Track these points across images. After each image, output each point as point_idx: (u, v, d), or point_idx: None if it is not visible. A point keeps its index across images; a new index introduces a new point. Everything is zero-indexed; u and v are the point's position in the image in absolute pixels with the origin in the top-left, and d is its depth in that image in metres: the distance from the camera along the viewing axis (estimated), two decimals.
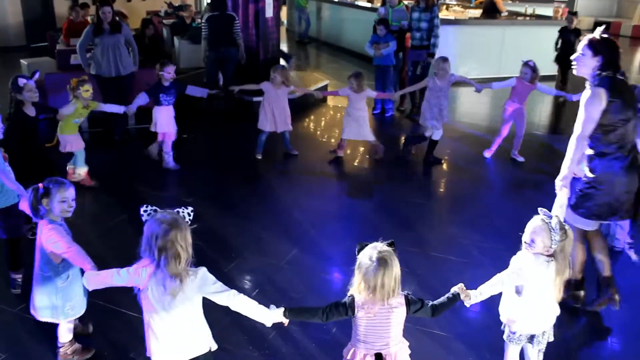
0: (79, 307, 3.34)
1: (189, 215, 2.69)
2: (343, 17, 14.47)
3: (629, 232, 4.34)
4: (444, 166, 6.69)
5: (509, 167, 6.66)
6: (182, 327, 2.68)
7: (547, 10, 13.18)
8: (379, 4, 10.97)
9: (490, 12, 12.05)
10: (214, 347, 2.88)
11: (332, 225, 5.26)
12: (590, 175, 3.71)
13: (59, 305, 3.23)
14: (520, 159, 6.81)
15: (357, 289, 2.62)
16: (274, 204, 5.68)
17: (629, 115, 3.59)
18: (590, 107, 3.56)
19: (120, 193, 5.81)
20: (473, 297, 2.94)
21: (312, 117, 8.74)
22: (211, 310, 3.75)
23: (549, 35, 11.49)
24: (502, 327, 3.19)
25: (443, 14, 11.08)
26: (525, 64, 6.57)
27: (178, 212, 2.66)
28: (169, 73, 6.08)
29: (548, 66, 11.44)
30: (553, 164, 6.73)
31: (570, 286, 3.99)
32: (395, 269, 2.57)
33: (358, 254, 2.66)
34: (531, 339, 3.08)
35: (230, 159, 6.76)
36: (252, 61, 8.84)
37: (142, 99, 6.12)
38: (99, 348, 3.56)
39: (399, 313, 2.66)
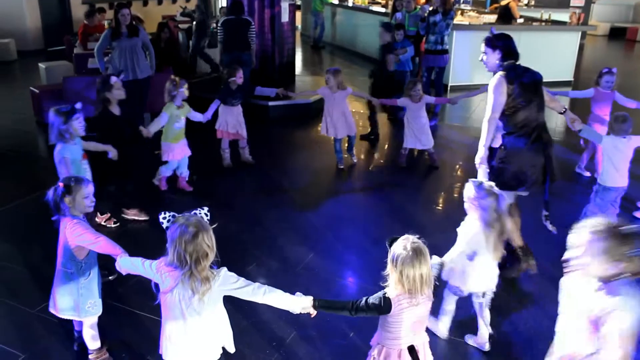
0: (99, 305, 3.37)
1: (206, 215, 2.70)
2: (357, 22, 14.49)
3: (544, 205, 4.47)
4: (459, 172, 6.66)
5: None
6: (199, 332, 2.67)
7: (562, 16, 13.11)
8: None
9: (505, 17, 12.00)
10: (232, 350, 2.88)
11: (349, 229, 5.26)
12: (502, 152, 4.21)
13: (80, 302, 3.26)
14: (587, 174, 6.50)
15: (394, 284, 2.59)
16: (289, 208, 5.68)
17: (530, 97, 4.05)
18: (495, 91, 4.05)
19: (134, 196, 5.83)
20: (447, 265, 3.38)
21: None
22: (228, 313, 3.77)
23: (565, 40, 11.46)
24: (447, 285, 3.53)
25: (458, 19, 11.06)
26: (609, 71, 6.17)
27: (195, 214, 2.66)
28: (240, 78, 6.30)
29: (564, 72, 11.43)
30: (564, 171, 6.71)
31: (518, 257, 4.33)
32: (429, 258, 2.59)
33: (390, 247, 2.63)
34: (475, 295, 3.51)
35: (240, 163, 6.76)
36: (267, 66, 8.88)
37: (216, 104, 6.33)
38: (115, 351, 3.58)
39: (431, 302, 2.70)
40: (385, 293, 2.63)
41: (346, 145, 6.89)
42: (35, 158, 7.13)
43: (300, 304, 2.71)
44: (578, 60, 11.78)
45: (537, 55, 11.14)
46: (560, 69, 11.41)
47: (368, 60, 13.12)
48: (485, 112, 4.18)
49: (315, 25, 15.44)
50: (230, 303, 3.97)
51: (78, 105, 4.06)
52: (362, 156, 7.06)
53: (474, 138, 7.49)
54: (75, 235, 3.10)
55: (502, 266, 4.12)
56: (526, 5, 15.83)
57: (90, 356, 3.45)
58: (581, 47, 12.22)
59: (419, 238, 2.63)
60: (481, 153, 4.23)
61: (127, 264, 2.87)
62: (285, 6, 9.02)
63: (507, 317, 3.97)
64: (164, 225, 2.65)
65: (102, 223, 5.20)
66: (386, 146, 7.67)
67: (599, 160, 6.01)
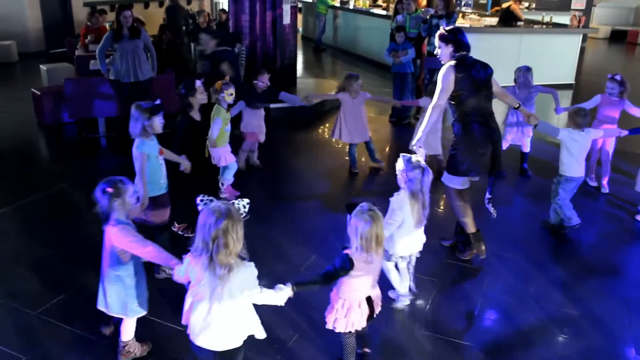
0: (145, 304, 3.39)
1: (245, 207, 2.78)
2: (359, 24, 14.49)
3: (488, 189, 4.61)
4: None
5: (526, 178, 6.60)
6: (222, 317, 2.72)
7: (563, 19, 13.12)
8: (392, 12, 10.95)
9: (507, 20, 12.02)
10: (262, 335, 2.93)
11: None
12: (454, 138, 4.45)
13: (128, 303, 3.29)
14: (593, 183, 6.29)
15: (354, 246, 2.96)
16: (292, 209, 5.67)
17: (478, 87, 4.29)
18: (443, 80, 4.30)
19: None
20: (387, 232, 3.60)
21: (327, 125, 8.74)
22: None
23: (566, 43, 11.46)
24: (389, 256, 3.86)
25: (459, 22, 11.05)
26: (612, 77, 6.02)
27: (233, 203, 2.72)
28: (263, 82, 6.26)
29: (565, 75, 11.43)
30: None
31: (470, 242, 4.63)
32: (382, 221, 2.99)
33: (349, 212, 2.99)
34: (402, 258, 3.91)
35: (247, 166, 6.76)
36: (269, 68, 8.86)
37: (239, 106, 6.24)
38: None
39: (382, 257, 3.17)
40: (347, 254, 2.98)
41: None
42: (36, 159, 7.12)
43: (284, 296, 2.87)
44: (579, 63, 11.77)
45: (538, 58, 11.17)
46: (561, 72, 11.41)
47: (369, 63, 13.12)
48: (433, 98, 4.39)
49: (320, 28, 15.44)
50: None
51: (159, 102, 4.11)
52: (363, 159, 7.04)
53: None
54: (124, 240, 3.09)
55: (454, 248, 4.81)
56: (527, 8, 15.85)
57: (122, 348, 3.47)
58: (582, 50, 12.23)
59: (373, 204, 2.99)
60: (419, 136, 4.46)
61: (182, 273, 2.79)
62: (287, 8, 9.02)
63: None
64: (199, 207, 2.73)
65: (179, 232, 5.02)
66: (387, 149, 7.66)
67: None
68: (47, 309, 3.95)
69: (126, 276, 3.25)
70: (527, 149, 6.57)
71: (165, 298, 4.02)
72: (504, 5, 12.34)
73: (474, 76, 4.32)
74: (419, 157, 3.82)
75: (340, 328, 3.17)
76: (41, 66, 9.75)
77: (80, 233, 5.03)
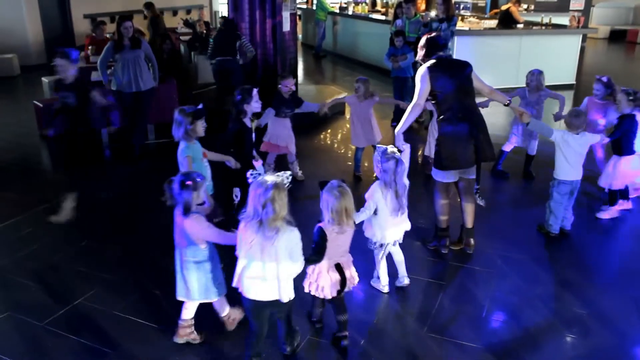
0: (224, 285, 3.61)
1: (287, 178, 3.15)
2: (358, 30, 14.53)
3: (476, 181, 4.78)
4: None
5: (531, 180, 6.59)
6: (271, 273, 3.10)
7: (562, 20, 13.12)
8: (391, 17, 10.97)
9: (506, 22, 12.02)
10: (290, 296, 3.23)
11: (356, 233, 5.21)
12: (438, 135, 4.63)
13: (209, 285, 3.53)
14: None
15: (326, 219, 3.33)
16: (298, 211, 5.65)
17: (455, 85, 4.49)
18: (421, 80, 4.52)
19: (140, 207, 5.83)
20: (358, 219, 3.81)
21: (329, 130, 8.75)
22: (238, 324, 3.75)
23: (566, 44, 11.46)
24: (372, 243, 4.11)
25: (458, 25, 11.07)
26: (598, 79, 5.93)
27: (279, 175, 3.11)
28: (286, 87, 5.99)
29: (566, 75, 11.43)
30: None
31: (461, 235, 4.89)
32: (350, 196, 3.33)
33: (321, 189, 3.36)
34: (382, 245, 4.09)
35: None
36: (270, 75, 8.90)
37: (268, 114, 6.04)
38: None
39: (353, 230, 3.47)
40: (320, 227, 3.36)
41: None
42: (39, 172, 7.13)
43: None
44: (579, 63, 11.77)
45: (538, 59, 11.14)
46: (562, 72, 11.40)
47: (369, 68, 13.14)
48: (413, 98, 4.59)
49: (320, 35, 15.48)
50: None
51: (201, 107, 4.26)
52: (366, 163, 7.04)
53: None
54: (200, 229, 3.37)
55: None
56: (526, 9, 15.86)
57: (181, 324, 3.67)
58: (582, 51, 12.23)
59: (342, 182, 3.35)
60: (397, 129, 4.63)
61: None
62: (286, 16, 9.04)
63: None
64: (250, 180, 3.21)
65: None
66: None
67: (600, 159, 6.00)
68: (53, 320, 3.94)
69: (205, 262, 3.49)
70: (533, 152, 6.53)
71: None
72: (503, 8, 12.34)
73: (450, 75, 4.52)
74: (394, 149, 3.98)
75: (313, 291, 3.54)
76: (43, 78, 9.77)
77: (86, 244, 5.03)
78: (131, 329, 3.85)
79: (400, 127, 4.62)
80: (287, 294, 3.19)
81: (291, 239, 3.08)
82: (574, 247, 5.00)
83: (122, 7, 14.23)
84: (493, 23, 12.25)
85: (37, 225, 5.41)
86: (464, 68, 4.59)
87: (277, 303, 3.20)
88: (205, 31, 11.62)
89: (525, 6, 16.02)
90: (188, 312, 3.67)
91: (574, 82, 11.49)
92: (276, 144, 6.18)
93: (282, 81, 6.02)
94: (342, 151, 7.68)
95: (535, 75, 6.22)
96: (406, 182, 4.06)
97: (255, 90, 4.90)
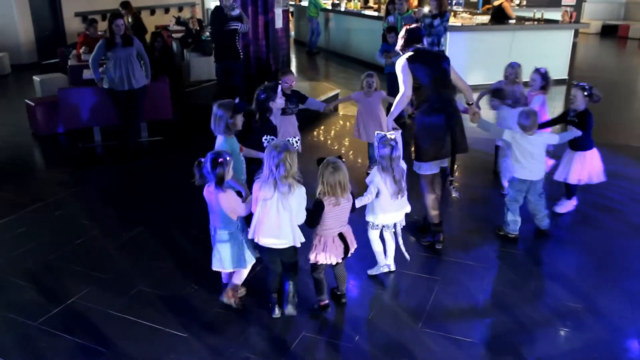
0: (254, 252, 3.96)
1: (297, 142, 3.84)
2: (351, 26, 14.51)
3: (447, 171, 4.90)
4: (456, 172, 6.64)
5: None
6: (285, 222, 3.60)
7: (555, 15, 13.14)
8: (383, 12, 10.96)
9: (498, 18, 12.04)
10: (300, 242, 3.71)
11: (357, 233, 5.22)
12: (416, 127, 4.72)
13: (241, 255, 3.87)
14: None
15: (321, 192, 3.67)
16: None
17: (433, 76, 4.59)
18: (401, 71, 4.65)
19: (134, 206, 5.82)
20: (359, 202, 4.06)
21: (322, 127, 8.75)
22: (230, 321, 3.77)
23: (558, 39, 11.49)
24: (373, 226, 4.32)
25: (451, 20, 11.08)
26: (537, 70, 5.93)
27: (289, 140, 3.73)
28: (286, 83, 5.69)
29: (558, 70, 11.45)
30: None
31: (430, 229, 4.94)
32: (345, 171, 3.67)
33: (319, 165, 3.68)
34: (385, 227, 4.34)
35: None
36: (263, 72, 8.88)
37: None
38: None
39: (350, 203, 3.79)
40: (317, 198, 3.70)
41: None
42: (31, 170, 7.10)
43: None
44: (572, 58, 11.81)
45: (531, 55, 11.17)
46: (554, 67, 11.31)
47: (362, 65, 13.13)
48: (399, 90, 4.66)
49: (311, 32, 15.46)
50: (233, 309, 3.97)
51: (238, 101, 4.41)
52: (360, 160, 7.04)
53: (473, 139, 7.50)
54: (232, 201, 3.74)
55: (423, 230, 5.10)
56: (518, 5, 15.89)
57: (229, 288, 3.96)
58: (574, 46, 12.25)
59: (338, 157, 3.71)
60: (388, 123, 4.76)
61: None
62: (278, 12, 9.02)
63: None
64: (265, 144, 3.89)
65: None
66: None
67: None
68: (48, 319, 3.93)
69: (237, 232, 3.84)
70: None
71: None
72: (495, 3, 12.36)
73: (428, 66, 4.62)
74: (391, 136, 4.15)
75: (321, 260, 3.83)
76: (34, 77, 9.72)
77: (79, 242, 5.02)
78: (126, 328, 3.84)
79: (390, 116, 4.73)
80: (299, 239, 3.68)
81: (300, 193, 3.59)
82: (567, 241, 5.01)
83: (113, 5, 14.04)
84: (485, 19, 12.26)
85: (31, 225, 5.38)
86: (442, 60, 4.69)
87: (288, 250, 3.71)
88: (198, 28, 11.59)
89: (517, 1, 16.06)
90: (239, 277, 3.98)
91: (567, 77, 11.53)
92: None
93: (283, 77, 5.78)
94: (336, 147, 7.68)
95: (514, 69, 6.11)
96: (404, 165, 4.23)
97: (279, 87, 4.94)
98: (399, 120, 8.54)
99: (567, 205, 5.53)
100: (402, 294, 4.26)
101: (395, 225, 4.36)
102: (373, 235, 4.36)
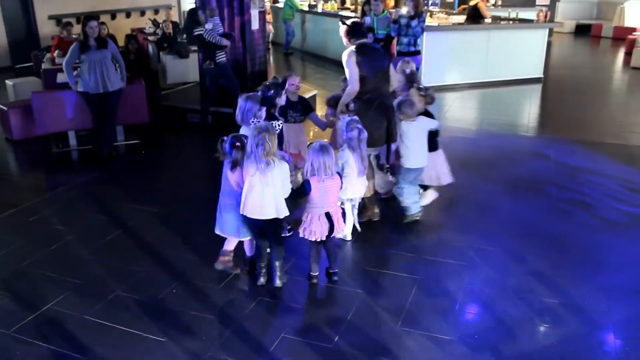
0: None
1: (279, 125, 4.53)
2: (327, 27, 14.52)
3: (383, 156, 5.34)
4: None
5: (498, 169, 6.67)
6: (268, 196, 3.97)
7: (529, 14, 13.29)
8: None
9: (474, 18, 12.14)
10: (287, 214, 4.10)
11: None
12: (355, 115, 4.94)
13: (240, 227, 4.22)
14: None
15: (308, 171, 4.05)
16: None
17: (375, 70, 4.97)
18: (347, 64, 4.97)
19: (110, 210, 5.74)
20: (346, 182, 4.53)
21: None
22: (210, 322, 3.74)
23: (533, 38, 11.62)
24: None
25: (427, 21, 11.15)
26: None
27: (272, 124, 4.21)
28: (292, 85, 5.35)
29: (533, 69, 11.59)
30: (546, 164, 6.81)
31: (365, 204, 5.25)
32: (332, 154, 4.06)
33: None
34: (350, 200, 4.82)
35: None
36: (239, 74, 8.83)
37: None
38: None
39: (337, 183, 4.16)
40: (306, 179, 4.09)
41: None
42: (3, 175, 6.97)
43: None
44: (547, 57, 11.94)
45: (506, 54, 11.33)
46: (529, 66, 11.56)
47: (339, 65, 13.10)
48: (348, 84, 5.01)
49: (286, 33, 15.48)
50: (211, 312, 3.94)
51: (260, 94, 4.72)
52: None
53: (450, 137, 7.58)
54: (237, 178, 4.09)
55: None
56: (494, 5, 16.05)
57: (222, 254, 4.36)
58: (549, 45, 12.40)
59: (325, 140, 4.25)
60: (337, 110, 5.21)
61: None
62: (255, 14, 8.99)
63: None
64: (251, 126, 4.19)
65: None
66: None
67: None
68: (22, 326, 3.85)
69: (237, 206, 4.12)
70: None
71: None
72: (471, 3, 12.46)
73: (371, 60, 4.97)
74: (355, 119, 4.69)
75: (307, 235, 4.17)
76: (7, 81, 9.55)
77: (53, 248, 4.94)
78: (103, 334, 3.78)
79: (340, 104, 5.14)
80: (283, 212, 4.04)
81: (282, 170, 3.98)
82: (544, 237, 5.06)
83: (87, 8, 14.01)
84: (461, 18, 12.36)
85: (4, 231, 5.29)
86: (384, 57, 5.18)
87: (273, 221, 4.06)
88: (171, 31, 11.52)
89: (493, 1, 16.22)
90: (230, 245, 4.36)
91: (542, 76, 11.66)
92: (289, 151, 5.40)
93: (288, 79, 5.31)
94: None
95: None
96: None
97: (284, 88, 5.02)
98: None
99: (428, 196, 5.60)
100: (381, 293, 4.26)
101: (354, 199, 4.81)
102: (347, 206, 4.83)
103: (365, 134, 4.54)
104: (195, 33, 8.13)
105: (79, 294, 4.23)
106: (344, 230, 4.82)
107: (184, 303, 4.09)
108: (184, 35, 11.60)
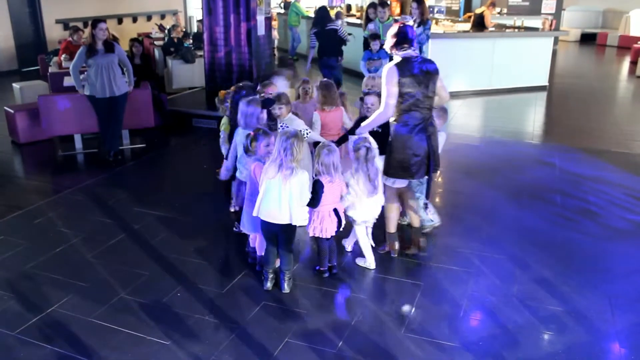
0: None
1: (307, 132, 4.70)
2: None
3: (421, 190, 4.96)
4: (439, 178, 6.69)
5: (503, 177, 6.67)
6: (285, 202, 3.98)
7: (535, 23, 13.32)
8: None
9: (479, 25, 12.17)
10: (300, 222, 4.14)
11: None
12: (390, 139, 4.50)
13: (256, 223, 4.24)
14: None
15: (317, 170, 4.16)
16: None
17: (418, 86, 4.27)
18: (386, 82, 4.29)
19: (115, 213, 5.76)
20: (346, 203, 4.40)
21: None
22: (213, 327, 3.73)
23: (539, 46, 11.63)
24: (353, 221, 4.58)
25: (433, 28, 11.18)
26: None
27: (301, 130, 4.37)
28: (270, 94, 5.17)
29: (539, 77, 11.60)
30: (550, 172, 6.80)
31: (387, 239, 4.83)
32: (338, 154, 4.20)
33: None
34: (364, 221, 4.58)
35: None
36: (246, 79, 8.85)
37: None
38: None
39: (342, 181, 4.29)
40: (316, 179, 4.18)
41: None
42: (10, 178, 7.00)
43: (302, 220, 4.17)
44: (552, 65, 11.95)
45: (512, 61, 11.34)
46: (534, 74, 11.58)
47: (344, 71, 13.16)
48: (381, 100, 4.38)
49: (292, 39, 15.53)
50: (216, 316, 3.95)
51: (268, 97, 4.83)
52: None
53: (455, 145, 7.59)
54: (259, 171, 4.12)
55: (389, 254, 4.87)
56: (499, 13, 16.09)
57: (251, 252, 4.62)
58: (554, 53, 12.43)
59: (332, 142, 4.45)
60: (361, 131, 4.60)
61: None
62: (261, 20, 9.03)
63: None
64: (280, 130, 4.43)
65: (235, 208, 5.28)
66: None
67: None
68: (26, 328, 3.86)
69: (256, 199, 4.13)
70: None
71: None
72: (477, 11, 12.50)
73: (416, 77, 4.28)
74: (365, 137, 4.44)
75: (317, 233, 4.29)
76: (14, 85, 9.61)
77: (58, 251, 4.95)
78: (106, 336, 3.78)
79: (364, 127, 4.58)
80: (299, 221, 4.08)
81: (302, 179, 3.99)
82: (549, 245, 5.05)
83: (95, 12, 14.07)
84: (466, 26, 12.39)
85: (9, 233, 5.30)
86: (431, 69, 4.38)
87: (287, 227, 4.09)
88: (180, 37, 11.57)
89: (498, 9, 16.26)
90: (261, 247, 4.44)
91: (547, 84, 11.66)
92: None
93: (266, 89, 5.30)
94: None
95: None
96: (379, 165, 4.45)
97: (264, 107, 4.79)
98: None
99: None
100: (385, 299, 4.26)
101: (371, 219, 4.61)
102: (359, 230, 4.60)
103: (374, 153, 4.31)
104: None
105: (83, 297, 4.24)
106: (367, 260, 4.61)
107: (188, 307, 4.09)
108: (191, 40, 11.68)
